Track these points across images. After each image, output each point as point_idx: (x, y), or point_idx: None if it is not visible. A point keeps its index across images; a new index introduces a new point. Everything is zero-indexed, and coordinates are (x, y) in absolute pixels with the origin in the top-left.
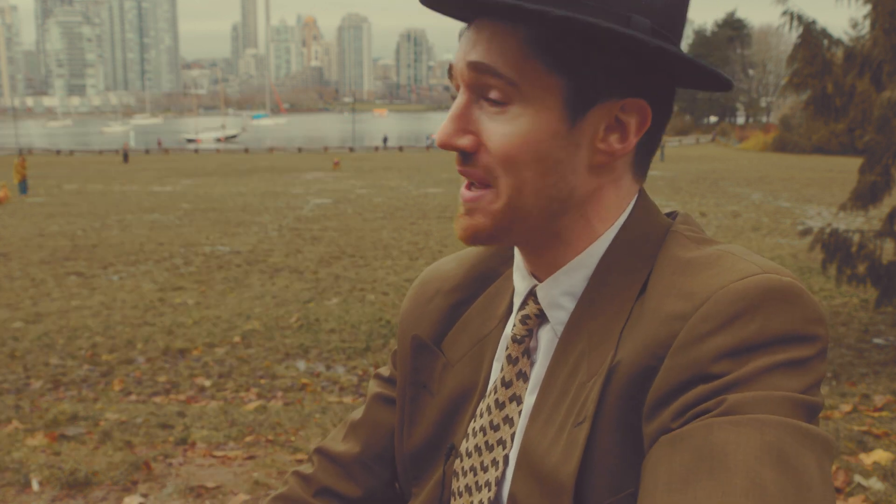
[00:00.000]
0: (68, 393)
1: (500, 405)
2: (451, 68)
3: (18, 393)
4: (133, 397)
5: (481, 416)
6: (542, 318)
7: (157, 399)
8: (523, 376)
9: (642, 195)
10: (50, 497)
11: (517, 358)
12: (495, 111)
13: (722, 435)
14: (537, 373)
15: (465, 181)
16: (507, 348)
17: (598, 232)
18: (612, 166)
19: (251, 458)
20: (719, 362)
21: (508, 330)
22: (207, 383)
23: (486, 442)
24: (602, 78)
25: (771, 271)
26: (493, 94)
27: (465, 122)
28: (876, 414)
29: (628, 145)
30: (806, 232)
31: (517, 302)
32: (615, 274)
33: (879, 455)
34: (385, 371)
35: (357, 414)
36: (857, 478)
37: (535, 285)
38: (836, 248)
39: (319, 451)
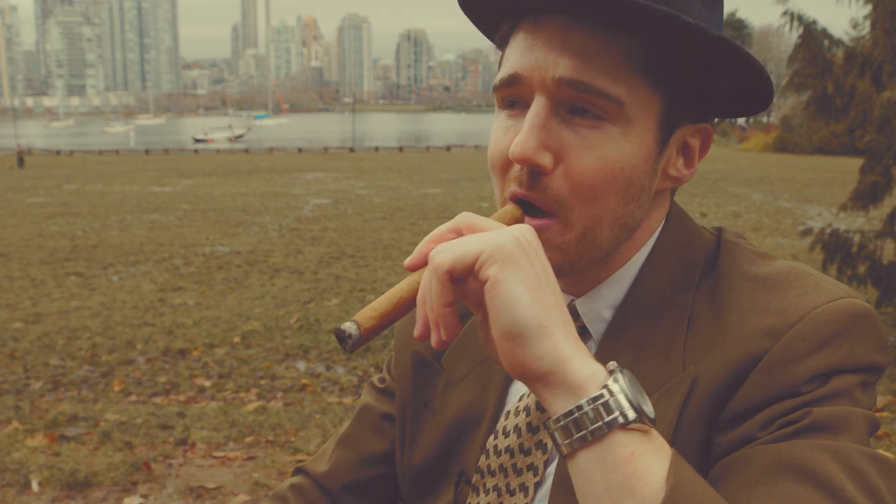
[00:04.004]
0: (68, 393)
1: (534, 429)
2: (515, 79)
3: (18, 393)
4: (133, 398)
5: (506, 435)
6: (581, 334)
7: (157, 400)
8: None
9: (672, 204)
10: (50, 497)
11: None
12: (585, 125)
13: (817, 457)
14: None
15: (505, 198)
16: None
17: (636, 248)
18: (665, 193)
19: (251, 458)
20: (811, 382)
21: None
22: (207, 384)
23: (514, 465)
24: (693, 99)
25: (853, 296)
26: (587, 107)
27: (545, 136)
28: (876, 415)
29: (693, 171)
30: (806, 232)
31: None
32: (657, 282)
33: None
34: (378, 381)
35: (345, 429)
36: None
37: (573, 300)
38: (836, 249)
39: (304, 472)
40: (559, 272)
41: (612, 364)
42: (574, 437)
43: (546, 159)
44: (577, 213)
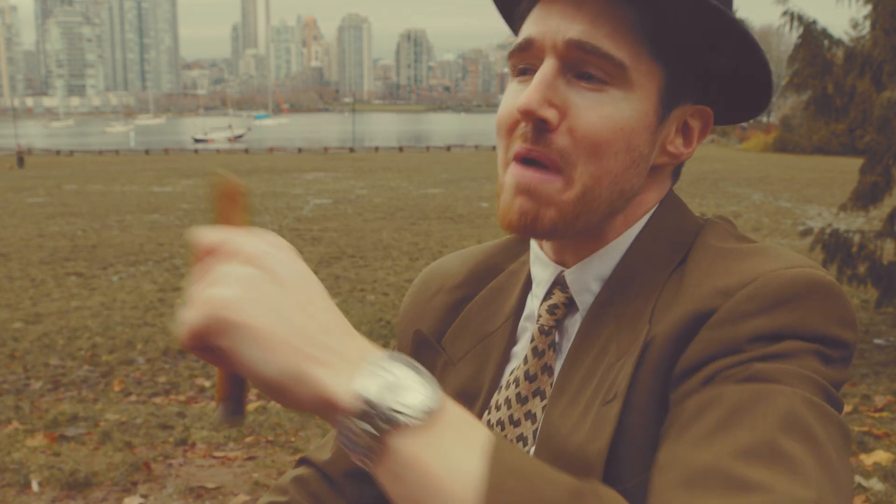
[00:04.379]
0: (68, 393)
1: (523, 399)
2: (528, 43)
3: (18, 393)
4: (133, 398)
5: (497, 409)
6: (569, 306)
7: (157, 400)
8: (549, 370)
9: (671, 190)
10: (50, 497)
11: (543, 351)
12: (589, 88)
13: (745, 400)
14: (561, 363)
15: (509, 158)
16: (533, 340)
17: (631, 223)
18: (664, 170)
19: (251, 458)
20: (755, 343)
21: (530, 325)
22: (207, 384)
23: (505, 437)
24: (694, 77)
25: (817, 268)
26: (592, 71)
27: (552, 94)
28: (876, 415)
29: (691, 151)
30: (806, 232)
31: (539, 292)
32: (645, 259)
33: (880, 455)
34: None
35: None
36: (858, 478)
37: (562, 272)
38: (836, 249)
39: (308, 461)
40: (553, 232)
41: (373, 365)
42: (362, 459)
43: (551, 114)
44: (579, 170)
